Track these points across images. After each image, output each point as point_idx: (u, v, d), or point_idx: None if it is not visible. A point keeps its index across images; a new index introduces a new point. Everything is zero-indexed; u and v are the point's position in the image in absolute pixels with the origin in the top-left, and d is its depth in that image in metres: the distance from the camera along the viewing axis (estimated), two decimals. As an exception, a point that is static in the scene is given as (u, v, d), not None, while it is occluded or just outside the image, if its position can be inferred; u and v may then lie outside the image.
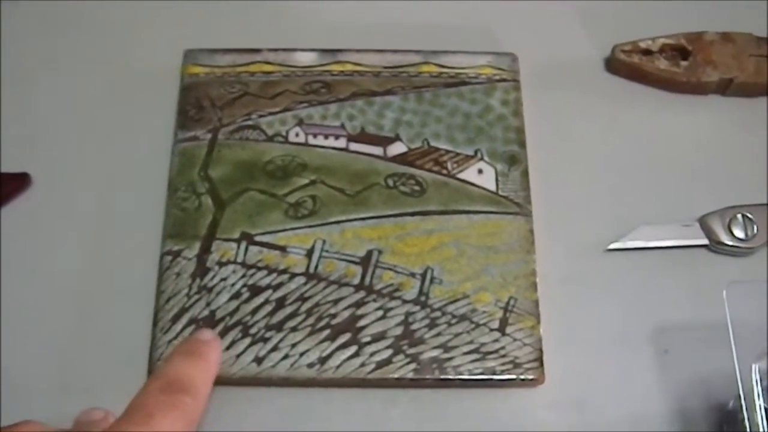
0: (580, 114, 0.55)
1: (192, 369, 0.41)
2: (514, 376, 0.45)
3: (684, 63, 0.54)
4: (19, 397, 0.46)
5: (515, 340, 0.46)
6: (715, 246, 0.50)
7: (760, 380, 0.40)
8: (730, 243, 0.50)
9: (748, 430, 0.40)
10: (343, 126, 0.52)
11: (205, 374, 0.41)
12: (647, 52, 0.55)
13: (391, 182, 0.50)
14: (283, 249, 0.48)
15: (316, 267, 0.48)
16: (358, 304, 0.47)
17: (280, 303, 0.47)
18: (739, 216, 0.50)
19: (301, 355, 0.46)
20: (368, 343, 0.46)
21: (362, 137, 0.51)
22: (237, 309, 0.47)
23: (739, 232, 0.50)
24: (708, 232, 0.50)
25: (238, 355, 0.45)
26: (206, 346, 0.43)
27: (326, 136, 0.51)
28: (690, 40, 0.55)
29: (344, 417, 0.46)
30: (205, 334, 0.44)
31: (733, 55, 0.54)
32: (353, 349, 0.46)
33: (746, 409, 0.40)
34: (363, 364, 0.45)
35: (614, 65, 0.55)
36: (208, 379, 0.41)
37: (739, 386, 0.40)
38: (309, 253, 0.48)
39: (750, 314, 0.42)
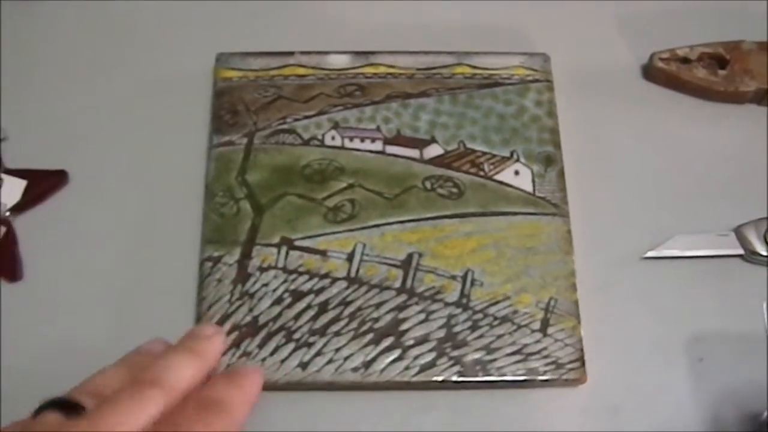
0: (616, 119, 0.55)
1: (186, 369, 0.38)
2: (556, 377, 0.46)
3: (722, 72, 0.54)
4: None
5: (557, 340, 0.47)
6: (750, 256, 0.50)
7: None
8: (765, 253, 0.50)
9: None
10: (378, 129, 0.52)
11: (199, 372, 0.39)
12: (685, 60, 0.55)
13: (428, 185, 0.50)
14: (323, 253, 0.48)
15: (357, 271, 0.48)
16: (401, 308, 0.47)
17: (323, 307, 0.47)
18: (775, 227, 0.50)
19: (346, 359, 0.46)
20: (411, 346, 0.46)
21: (398, 140, 0.52)
22: (280, 314, 0.47)
23: (774, 243, 0.50)
24: (743, 242, 0.50)
25: (283, 361, 0.46)
26: (207, 342, 0.41)
27: (362, 139, 0.51)
28: (728, 49, 0.55)
29: (386, 420, 0.46)
30: (207, 329, 0.42)
31: (770, 64, 0.54)
32: (397, 352, 0.46)
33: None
34: (407, 368, 0.46)
35: (652, 72, 0.56)
36: (200, 375, 0.39)
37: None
38: (350, 257, 0.48)
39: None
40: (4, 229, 0.50)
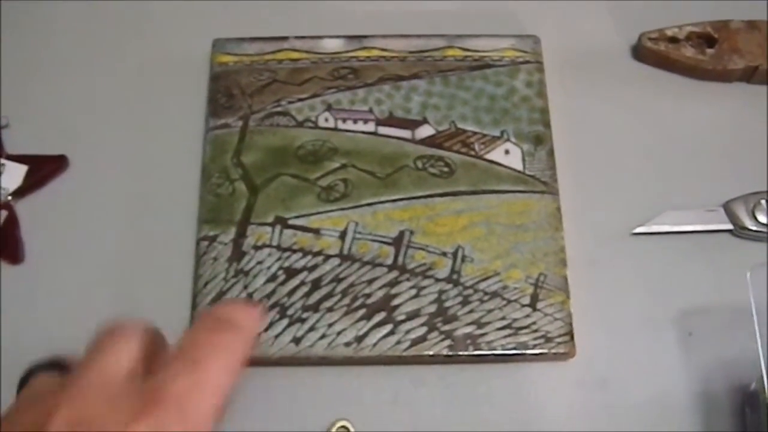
0: (606, 99, 0.55)
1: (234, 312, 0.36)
2: (545, 350, 0.46)
3: (710, 51, 0.55)
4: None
5: (546, 315, 0.47)
6: (739, 231, 0.51)
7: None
8: (754, 228, 0.50)
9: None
10: (371, 110, 0.53)
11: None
12: (674, 40, 0.55)
13: (420, 164, 0.51)
14: (316, 231, 0.49)
15: (350, 248, 0.49)
16: (392, 284, 0.48)
17: (316, 284, 0.48)
18: (763, 202, 0.51)
19: (338, 334, 0.47)
20: (403, 321, 0.47)
21: (390, 121, 0.52)
22: (274, 291, 0.48)
23: (762, 218, 0.50)
24: (732, 218, 0.51)
25: (277, 336, 0.47)
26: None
27: (355, 121, 0.52)
28: (716, 28, 0.55)
29: (378, 393, 0.47)
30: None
31: (758, 43, 0.55)
32: (388, 327, 0.47)
33: (768, 390, 0.41)
34: (398, 342, 0.47)
35: (641, 53, 0.56)
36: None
37: (762, 368, 0.41)
38: (342, 235, 0.49)
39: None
40: (5, 213, 0.51)
